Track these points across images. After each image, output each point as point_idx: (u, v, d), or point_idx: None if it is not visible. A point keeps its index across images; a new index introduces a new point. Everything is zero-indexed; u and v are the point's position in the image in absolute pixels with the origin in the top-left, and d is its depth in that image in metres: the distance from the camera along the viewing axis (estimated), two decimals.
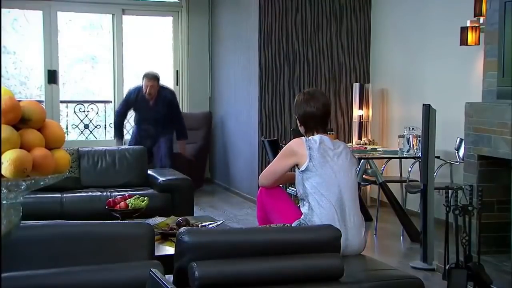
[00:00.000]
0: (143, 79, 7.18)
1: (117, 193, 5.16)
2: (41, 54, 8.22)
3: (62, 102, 8.48)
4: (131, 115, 7.72)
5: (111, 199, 4.46)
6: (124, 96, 7.50)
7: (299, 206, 3.58)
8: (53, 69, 8.25)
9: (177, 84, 8.80)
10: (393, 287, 2.95)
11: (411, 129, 5.91)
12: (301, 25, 7.35)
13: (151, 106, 7.25)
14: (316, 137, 3.49)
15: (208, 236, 2.72)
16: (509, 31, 4.31)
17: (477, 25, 5.48)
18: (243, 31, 7.74)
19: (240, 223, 6.29)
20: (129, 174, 5.83)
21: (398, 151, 6.06)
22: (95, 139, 8.58)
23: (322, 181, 3.39)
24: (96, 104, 8.68)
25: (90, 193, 5.49)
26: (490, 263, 4.26)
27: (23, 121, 1.71)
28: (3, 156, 1.61)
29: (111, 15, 8.52)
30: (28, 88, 8.63)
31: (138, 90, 7.25)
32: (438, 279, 4.38)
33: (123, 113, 7.45)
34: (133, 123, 7.61)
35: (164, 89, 7.39)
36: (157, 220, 4.08)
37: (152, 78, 7.19)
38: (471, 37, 5.50)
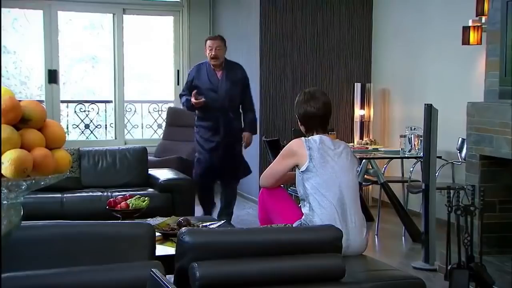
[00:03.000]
0: (205, 43, 5.77)
1: (117, 193, 5.15)
2: (41, 54, 8.21)
3: (63, 102, 8.47)
4: None
5: (111, 199, 4.45)
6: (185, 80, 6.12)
7: (300, 206, 3.56)
8: (54, 68, 8.24)
9: (178, 84, 8.79)
10: (394, 287, 2.94)
11: (412, 129, 5.90)
12: (302, 24, 7.34)
13: (218, 80, 5.69)
14: (316, 137, 3.48)
15: (209, 236, 2.71)
16: (511, 31, 4.29)
17: (479, 24, 5.47)
18: (244, 30, 7.73)
19: (241, 223, 6.28)
20: (129, 174, 5.82)
21: (399, 151, 6.05)
22: (95, 139, 8.57)
23: (322, 181, 3.38)
24: (97, 104, 8.67)
25: (90, 193, 5.48)
26: (492, 264, 4.25)
27: (24, 121, 1.70)
28: (3, 156, 1.60)
29: (111, 15, 8.51)
30: (28, 88, 8.63)
31: (199, 65, 5.90)
32: (440, 279, 4.37)
33: (187, 90, 5.85)
34: (195, 136, 6.03)
35: (232, 62, 5.90)
36: (158, 220, 4.07)
37: (217, 37, 5.78)
38: (473, 36, 5.49)
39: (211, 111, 5.72)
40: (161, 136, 8.36)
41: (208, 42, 5.71)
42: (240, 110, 5.90)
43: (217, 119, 5.74)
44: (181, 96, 6.02)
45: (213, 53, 5.64)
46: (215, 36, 5.93)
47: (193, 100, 5.62)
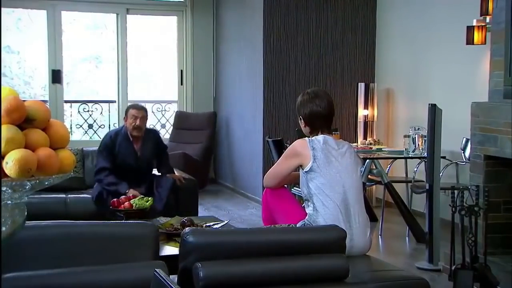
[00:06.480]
0: (127, 111, 5.37)
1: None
2: (45, 54, 8.22)
3: (66, 101, 8.48)
4: None
5: (115, 199, 4.45)
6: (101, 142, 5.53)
7: (303, 206, 3.56)
8: (57, 68, 8.25)
9: (181, 84, 8.81)
10: (398, 287, 2.94)
11: (416, 129, 5.89)
12: (306, 24, 7.33)
13: (135, 152, 5.34)
14: (320, 137, 3.47)
15: (213, 236, 2.71)
16: None
17: (483, 24, 5.45)
18: (247, 30, 7.73)
19: (244, 223, 6.27)
20: None
21: (403, 151, 6.04)
22: (99, 139, 8.55)
23: (326, 181, 3.37)
24: (100, 103, 8.68)
25: None
26: (497, 264, 4.23)
27: (28, 121, 1.70)
28: (8, 156, 1.60)
29: (115, 15, 8.52)
30: (32, 87, 8.64)
31: (115, 132, 5.47)
32: (444, 280, 4.36)
33: (109, 162, 5.32)
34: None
35: (147, 129, 5.49)
36: (162, 220, 4.08)
37: (143, 108, 5.42)
38: (477, 36, 5.48)
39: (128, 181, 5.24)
40: (167, 137, 8.39)
41: (133, 111, 5.31)
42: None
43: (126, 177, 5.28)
44: (100, 171, 5.32)
45: (137, 123, 5.27)
46: (141, 106, 5.46)
47: (130, 194, 4.98)
